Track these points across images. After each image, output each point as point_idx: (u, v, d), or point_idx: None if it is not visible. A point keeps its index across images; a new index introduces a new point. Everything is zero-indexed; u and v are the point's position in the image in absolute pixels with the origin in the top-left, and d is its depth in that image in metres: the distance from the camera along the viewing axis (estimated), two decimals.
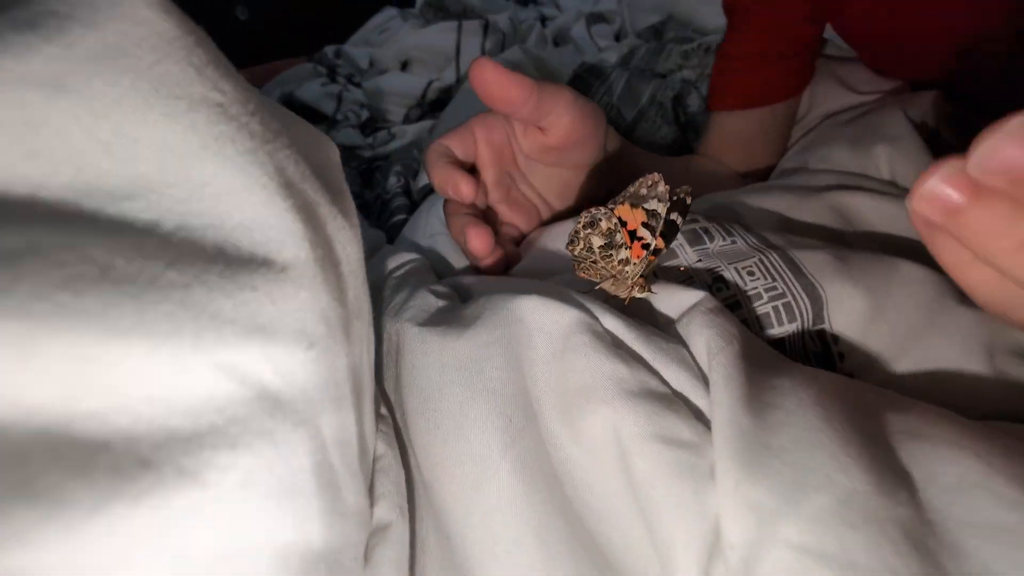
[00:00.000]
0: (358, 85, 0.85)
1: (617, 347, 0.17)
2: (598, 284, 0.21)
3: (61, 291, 0.07)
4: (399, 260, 0.30)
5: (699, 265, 0.23)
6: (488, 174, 0.30)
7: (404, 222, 0.48)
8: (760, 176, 0.46)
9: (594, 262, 0.21)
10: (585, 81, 0.62)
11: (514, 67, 0.60)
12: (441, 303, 0.21)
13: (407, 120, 0.78)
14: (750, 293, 0.22)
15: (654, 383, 0.16)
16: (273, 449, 0.09)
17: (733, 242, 0.24)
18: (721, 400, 0.14)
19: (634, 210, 0.21)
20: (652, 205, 0.21)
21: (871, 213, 0.30)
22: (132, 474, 0.08)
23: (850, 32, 0.45)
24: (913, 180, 0.33)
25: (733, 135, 0.45)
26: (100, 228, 0.08)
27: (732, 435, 0.13)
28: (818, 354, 0.22)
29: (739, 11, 0.43)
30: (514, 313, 0.18)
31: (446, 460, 0.15)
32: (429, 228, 0.35)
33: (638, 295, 0.20)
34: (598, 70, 0.63)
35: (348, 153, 0.76)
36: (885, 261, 0.24)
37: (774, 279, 0.23)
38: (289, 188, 0.11)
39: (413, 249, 0.33)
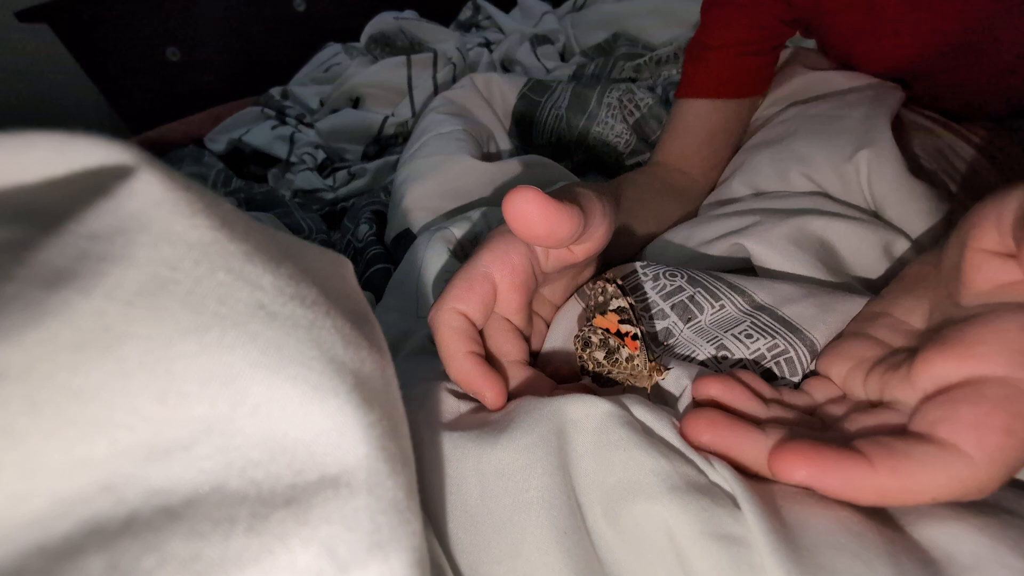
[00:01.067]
0: (309, 126, 0.83)
1: (650, 436, 0.17)
2: (624, 390, 0.22)
3: None
4: (399, 329, 0.30)
5: (699, 339, 0.24)
6: (517, 319, 0.25)
7: (383, 271, 0.47)
8: (716, 175, 0.47)
9: (608, 372, 0.22)
10: (531, 100, 0.63)
11: (461, 109, 0.59)
12: (463, 406, 0.21)
13: (365, 157, 0.77)
14: (753, 356, 0.23)
15: (693, 474, 0.16)
16: None
17: (722, 307, 0.25)
18: (745, 499, 0.14)
19: (606, 316, 0.22)
20: (615, 304, 0.23)
21: (845, 242, 0.32)
22: None
23: (827, 40, 0.47)
24: (889, 193, 0.34)
25: (698, 127, 0.46)
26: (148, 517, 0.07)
27: (767, 533, 0.14)
28: None
29: (723, 5, 0.44)
30: (550, 410, 0.18)
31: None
32: (425, 298, 0.34)
33: (659, 379, 0.21)
34: (544, 86, 0.64)
35: (309, 196, 0.74)
36: (860, 301, 0.25)
37: (773, 337, 0.23)
38: (338, 369, 0.10)
39: (408, 314, 0.32)
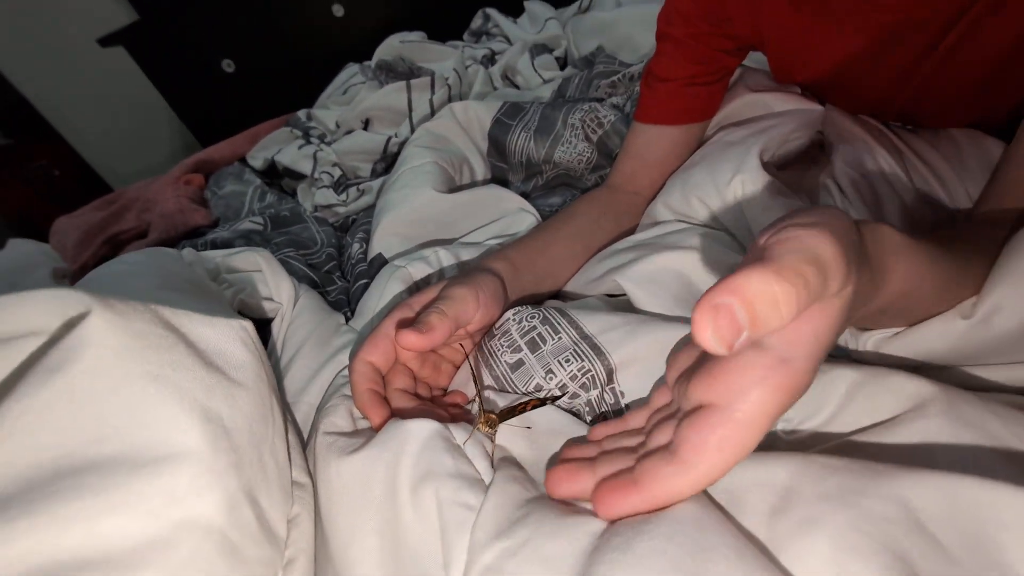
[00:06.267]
0: (329, 144, 0.95)
1: (456, 448, 0.27)
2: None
3: None
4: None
5: (537, 364, 0.32)
6: (413, 365, 0.35)
7: (365, 286, 0.57)
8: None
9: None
10: (504, 125, 0.70)
11: (438, 139, 0.67)
12: (361, 422, 0.31)
13: (374, 174, 0.88)
14: (569, 377, 0.31)
15: (469, 471, 0.26)
16: None
17: (560, 337, 0.33)
18: (491, 487, 0.24)
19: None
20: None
21: (697, 271, 0.39)
22: None
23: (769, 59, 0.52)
24: (758, 213, 0.40)
25: (648, 150, 0.52)
26: None
27: (486, 504, 0.23)
28: (613, 406, 0.31)
29: (670, 40, 0.48)
30: (400, 427, 0.28)
31: (340, 526, 0.26)
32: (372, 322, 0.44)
33: (483, 429, 0.29)
34: (518, 109, 0.71)
35: (326, 210, 0.86)
36: (671, 327, 0.32)
37: (583, 360, 0.32)
38: (191, 405, 0.20)
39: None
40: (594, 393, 0.31)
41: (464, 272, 0.37)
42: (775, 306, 0.17)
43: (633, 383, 0.31)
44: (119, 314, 0.19)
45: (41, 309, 0.18)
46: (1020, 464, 0.24)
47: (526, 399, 0.31)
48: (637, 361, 0.31)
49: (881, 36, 0.40)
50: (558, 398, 0.31)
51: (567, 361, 0.32)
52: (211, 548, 0.19)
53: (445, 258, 0.49)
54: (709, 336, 0.17)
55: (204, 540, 0.19)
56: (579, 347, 0.32)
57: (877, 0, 0.38)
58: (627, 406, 0.31)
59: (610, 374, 0.31)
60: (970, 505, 0.21)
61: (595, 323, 0.33)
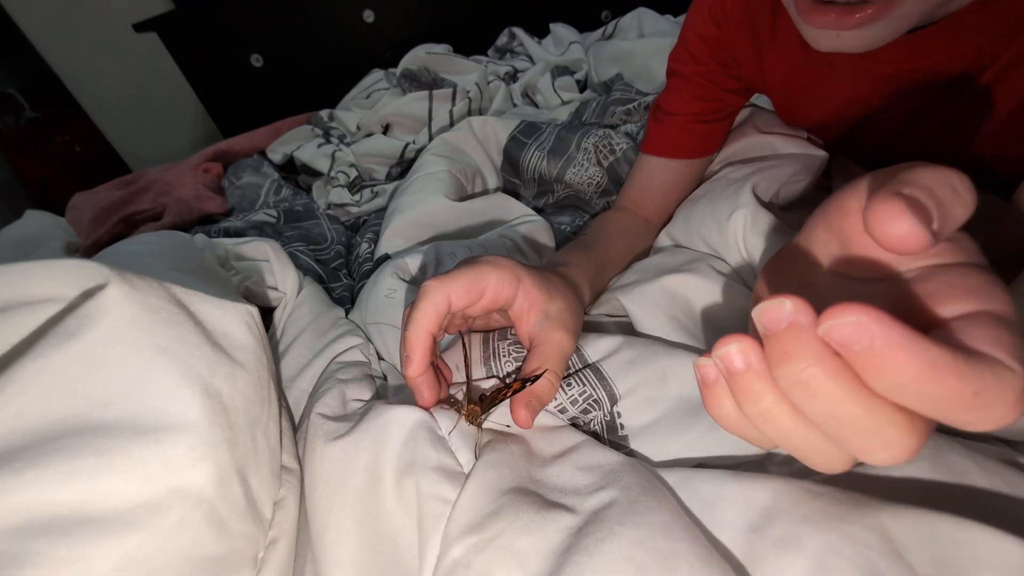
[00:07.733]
0: (348, 145, 0.97)
1: (440, 439, 0.27)
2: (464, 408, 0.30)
3: None
4: (347, 344, 0.41)
5: None
6: (475, 309, 0.30)
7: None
8: (668, 218, 0.54)
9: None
10: (519, 142, 0.72)
11: (454, 150, 0.69)
12: (351, 405, 0.32)
13: (389, 177, 0.89)
14: (570, 401, 0.32)
15: (450, 463, 0.26)
16: None
17: None
18: (469, 479, 0.25)
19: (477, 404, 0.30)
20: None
21: (696, 295, 0.40)
22: None
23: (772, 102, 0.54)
24: (758, 244, 0.41)
25: (653, 181, 0.53)
26: None
27: (463, 497, 0.24)
28: (608, 423, 0.32)
29: (680, 77, 0.50)
30: (386, 412, 0.28)
31: (320, 510, 0.26)
32: (374, 313, 0.45)
33: (463, 418, 0.29)
34: (534, 128, 0.73)
35: (339, 209, 0.88)
36: (673, 354, 0.33)
37: (585, 386, 0.32)
38: (195, 379, 0.21)
39: (361, 330, 0.44)
40: (594, 415, 0.32)
41: (568, 292, 0.35)
42: (955, 192, 0.15)
43: (630, 409, 0.32)
44: (135, 288, 0.20)
45: (63, 278, 0.20)
46: (995, 507, 0.24)
47: (508, 384, 0.31)
48: (638, 388, 0.32)
49: (878, 87, 0.42)
50: (538, 378, 0.31)
51: (569, 386, 0.33)
52: (200, 517, 0.20)
53: (444, 250, 0.50)
54: (907, 223, 0.14)
55: (194, 509, 0.20)
56: (583, 374, 0.33)
57: (872, 53, 0.40)
58: (622, 425, 0.31)
59: (612, 398, 0.32)
60: (948, 542, 0.22)
61: (599, 350, 0.34)
